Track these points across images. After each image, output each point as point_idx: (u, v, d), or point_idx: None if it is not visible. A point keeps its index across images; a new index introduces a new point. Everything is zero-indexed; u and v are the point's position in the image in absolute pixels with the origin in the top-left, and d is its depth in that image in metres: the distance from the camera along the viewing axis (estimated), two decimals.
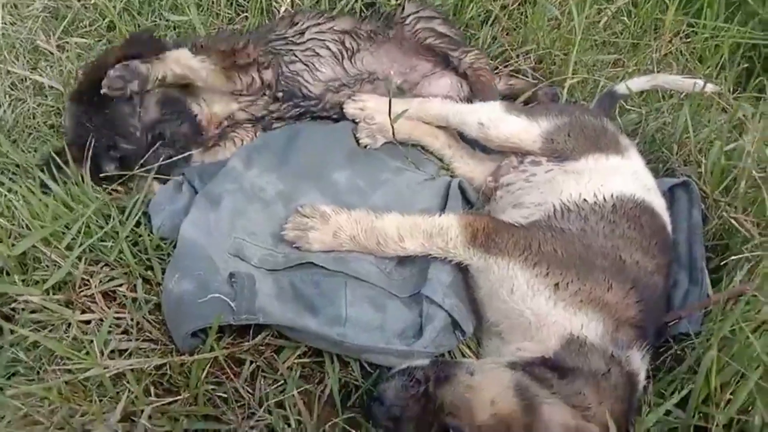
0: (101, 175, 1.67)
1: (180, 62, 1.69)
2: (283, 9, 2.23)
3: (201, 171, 1.73)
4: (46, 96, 2.01)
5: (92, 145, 1.61)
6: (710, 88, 1.99)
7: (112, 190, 1.73)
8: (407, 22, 1.98)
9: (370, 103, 1.88)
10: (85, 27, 2.26)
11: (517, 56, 2.28)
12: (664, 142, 2.02)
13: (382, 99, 1.83)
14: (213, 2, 2.31)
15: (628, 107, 2.14)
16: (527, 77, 2.24)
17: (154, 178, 1.66)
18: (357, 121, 1.89)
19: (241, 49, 1.81)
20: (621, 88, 2.03)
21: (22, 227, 1.51)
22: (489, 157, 1.90)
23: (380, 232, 1.50)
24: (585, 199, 1.54)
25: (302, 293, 1.47)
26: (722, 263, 1.65)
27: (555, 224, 1.50)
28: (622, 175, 1.63)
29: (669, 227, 1.62)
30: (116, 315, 1.42)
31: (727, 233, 1.73)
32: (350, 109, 1.89)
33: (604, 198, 1.54)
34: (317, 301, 1.46)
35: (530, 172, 1.72)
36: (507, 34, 2.40)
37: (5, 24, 2.24)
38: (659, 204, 1.63)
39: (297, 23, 1.93)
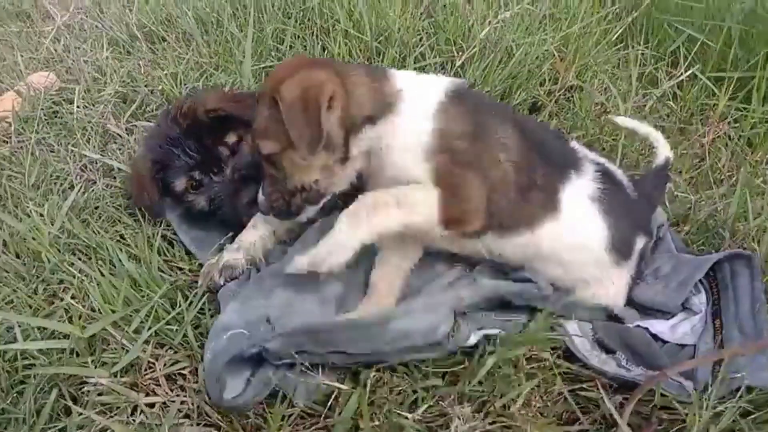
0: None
1: None
2: None
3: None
4: (115, 178, 2.12)
5: (176, 162, 1.81)
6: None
7: (177, 268, 1.80)
8: None
9: None
10: (152, 111, 2.39)
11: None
12: (716, 228, 2.01)
13: None
14: None
15: (678, 193, 2.15)
16: None
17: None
18: None
19: None
20: (659, 158, 1.98)
21: (93, 309, 1.57)
22: None
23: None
24: None
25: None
26: None
27: None
28: None
29: None
30: (178, 398, 1.46)
31: None
32: None
33: None
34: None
35: None
36: (553, 118, 2.46)
37: (79, 108, 2.39)
38: None
39: None
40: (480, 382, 1.44)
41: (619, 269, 1.68)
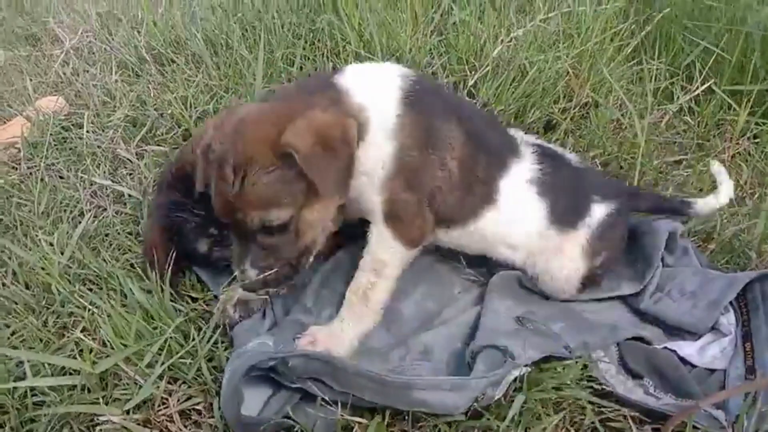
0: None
1: None
2: None
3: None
4: (125, 204, 2.09)
5: (188, 225, 1.73)
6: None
7: (189, 297, 1.76)
8: None
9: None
10: (162, 135, 2.36)
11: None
12: (741, 248, 1.96)
13: None
14: None
15: None
16: None
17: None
18: None
19: None
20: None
21: (104, 343, 1.53)
22: None
23: None
24: None
25: None
26: None
27: None
28: None
29: None
30: None
31: None
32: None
33: None
34: None
35: None
36: (568, 136, 2.42)
37: (89, 132, 2.36)
38: None
39: None
40: (505, 417, 1.39)
41: (569, 236, 1.71)
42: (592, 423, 1.43)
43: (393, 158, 1.50)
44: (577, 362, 1.50)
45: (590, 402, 1.46)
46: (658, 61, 2.81)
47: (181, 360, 1.50)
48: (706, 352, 1.61)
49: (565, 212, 1.70)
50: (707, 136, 2.54)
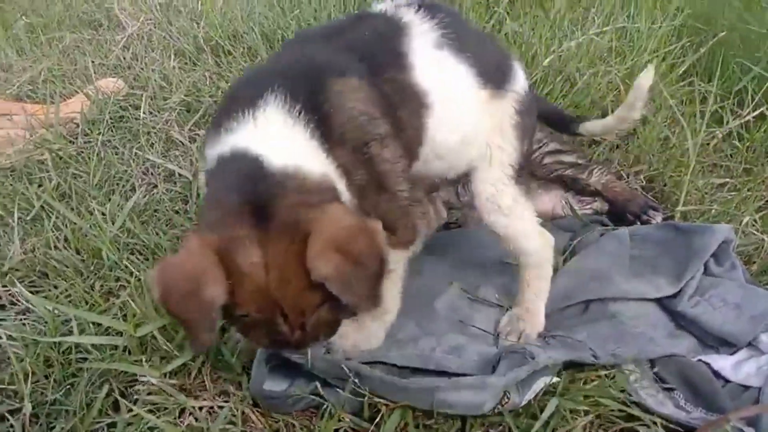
0: None
1: None
2: None
3: None
4: (175, 183, 2.16)
5: None
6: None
7: None
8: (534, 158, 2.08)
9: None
10: None
11: (627, 176, 2.28)
12: None
13: None
14: None
15: (750, 231, 2.07)
16: None
17: None
18: None
19: None
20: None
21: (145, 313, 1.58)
22: None
23: None
24: None
25: None
26: None
27: None
28: None
29: None
30: (225, 403, 1.45)
31: None
32: None
33: None
34: None
35: None
36: (614, 151, 2.41)
37: (145, 114, 2.45)
38: None
39: None
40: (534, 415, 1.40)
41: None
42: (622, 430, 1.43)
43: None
44: (609, 373, 1.51)
45: (620, 410, 1.45)
46: (709, 83, 2.79)
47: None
48: (742, 368, 1.58)
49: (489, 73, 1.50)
50: (755, 161, 2.51)
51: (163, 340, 1.48)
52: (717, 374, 1.56)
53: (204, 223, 1.19)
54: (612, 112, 2.37)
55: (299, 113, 1.22)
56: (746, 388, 1.55)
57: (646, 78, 1.64)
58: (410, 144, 1.41)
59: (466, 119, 1.48)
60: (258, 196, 1.14)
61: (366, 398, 1.38)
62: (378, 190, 1.34)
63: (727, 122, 2.55)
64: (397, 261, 1.49)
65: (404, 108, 1.37)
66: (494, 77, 1.49)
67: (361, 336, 1.56)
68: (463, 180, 1.63)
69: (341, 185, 1.25)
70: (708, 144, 2.52)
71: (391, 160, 1.34)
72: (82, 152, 2.28)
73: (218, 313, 1.10)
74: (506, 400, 1.39)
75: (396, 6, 1.47)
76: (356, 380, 1.38)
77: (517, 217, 1.58)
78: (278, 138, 1.21)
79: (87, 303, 1.66)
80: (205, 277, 1.08)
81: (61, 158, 2.23)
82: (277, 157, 1.17)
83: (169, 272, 1.12)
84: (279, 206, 1.13)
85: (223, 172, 1.20)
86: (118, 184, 2.13)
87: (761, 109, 2.57)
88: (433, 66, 1.40)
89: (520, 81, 1.56)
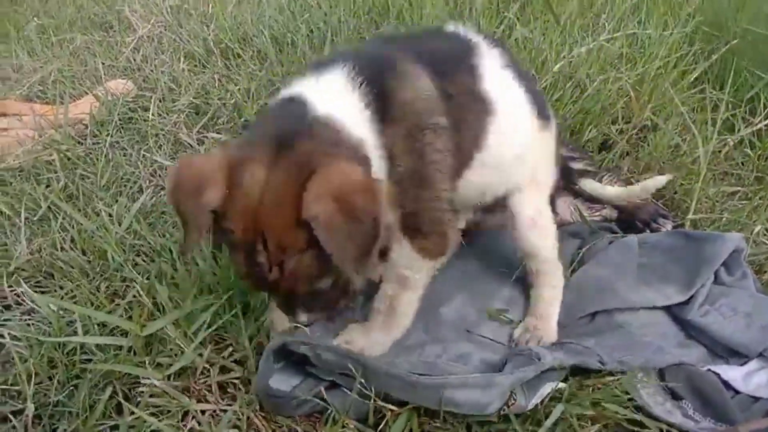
0: None
1: None
2: None
3: None
4: None
5: None
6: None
7: None
8: None
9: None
10: (222, 124, 2.44)
11: (637, 183, 2.25)
12: None
13: None
14: None
15: (761, 240, 2.05)
16: None
17: None
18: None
19: None
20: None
21: (151, 313, 1.57)
22: None
23: None
24: None
25: None
26: None
27: None
28: None
29: None
30: (229, 407, 1.44)
31: None
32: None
33: None
34: None
35: None
36: (624, 158, 2.40)
37: (153, 116, 2.45)
38: None
39: None
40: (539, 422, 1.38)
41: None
42: None
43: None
44: (616, 380, 1.49)
45: (627, 420, 1.43)
46: (721, 91, 2.77)
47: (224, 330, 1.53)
48: (752, 379, 1.56)
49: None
50: (767, 170, 2.48)
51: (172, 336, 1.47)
52: (727, 385, 1.54)
53: (237, 140, 1.31)
54: (622, 119, 2.38)
55: (361, 84, 1.30)
56: (756, 399, 1.53)
57: (657, 182, 1.90)
58: (466, 145, 1.45)
59: (522, 138, 1.57)
60: (289, 131, 1.21)
61: (372, 401, 1.37)
62: (421, 183, 1.36)
63: (739, 130, 2.53)
64: (423, 270, 1.50)
65: (468, 110, 1.44)
66: (542, 111, 1.62)
67: (368, 343, 1.55)
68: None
69: (381, 164, 1.30)
70: (719, 152, 2.50)
71: (442, 151, 1.37)
72: (91, 153, 2.28)
73: (209, 216, 1.16)
74: (512, 401, 1.38)
75: (465, 30, 1.58)
76: (363, 375, 1.37)
77: (549, 235, 1.68)
78: (332, 94, 1.29)
79: (92, 304, 1.65)
80: (208, 181, 1.16)
81: (69, 159, 2.23)
82: (323, 107, 1.25)
83: (183, 170, 1.21)
84: (302, 144, 1.19)
85: (274, 109, 1.33)
86: (125, 186, 2.13)
87: None
88: (500, 82, 1.50)
89: (553, 120, 1.71)
